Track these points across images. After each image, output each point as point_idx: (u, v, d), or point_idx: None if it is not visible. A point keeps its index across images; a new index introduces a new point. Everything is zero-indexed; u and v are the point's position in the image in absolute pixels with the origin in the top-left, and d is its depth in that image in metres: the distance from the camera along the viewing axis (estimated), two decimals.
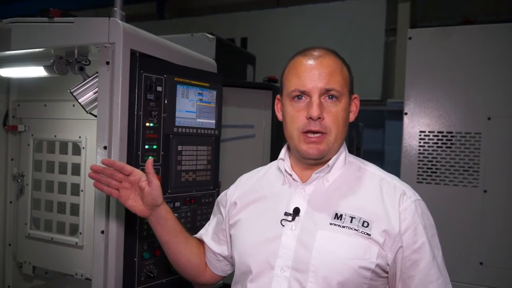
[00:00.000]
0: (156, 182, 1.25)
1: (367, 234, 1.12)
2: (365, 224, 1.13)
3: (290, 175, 1.25)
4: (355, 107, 1.26)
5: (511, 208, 2.15)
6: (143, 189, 1.25)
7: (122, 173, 1.26)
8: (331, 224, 1.15)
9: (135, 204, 1.28)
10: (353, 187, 1.21)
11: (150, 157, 1.34)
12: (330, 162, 1.20)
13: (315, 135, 1.16)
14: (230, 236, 1.34)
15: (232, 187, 1.42)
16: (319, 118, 1.14)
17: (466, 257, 2.19)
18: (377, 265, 1.12)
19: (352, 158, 1.29)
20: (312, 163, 1.22)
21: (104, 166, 1.26)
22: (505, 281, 2.13)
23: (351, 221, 1.14)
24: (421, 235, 1.13)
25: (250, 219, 1.28)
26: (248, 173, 1.44)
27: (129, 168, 1.26)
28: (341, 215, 1.15)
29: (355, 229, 1.13)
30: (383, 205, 1.15)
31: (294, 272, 1.13)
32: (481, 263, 2.18)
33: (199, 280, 1.43)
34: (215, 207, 1.47)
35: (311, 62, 1.18)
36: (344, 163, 1.25)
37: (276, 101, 1.30)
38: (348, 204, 1.17)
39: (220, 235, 1.39)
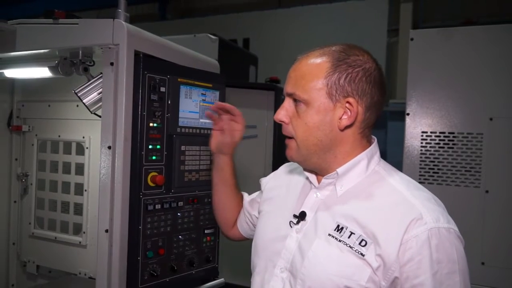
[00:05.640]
0: (237, 135, 1.46)
1: (361, 254, 1.02)
2: (363, 243, 1.03)
3: (308, 177, 1.22)
4: (348, 112, 1.09)
5: None
6: (225, 133, 1.44)
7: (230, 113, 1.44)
8: (329, 235, 1.08)
9: (213, 140, 1.47)
10: (366, 200, 1.09)
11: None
12: (339, 170, 1.12)
13: (288, 138, 1.18)
14: (257, 218, 1.41)
15: (271, 175, 1.48)
16: (282, 121, 1.16)
17: (467, 257, 2.17)
18: None
19: (380, 168, 1.16)
20: (308, 170, 1.21)
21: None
22: (507, 281, 2.14)
23: (349, 237, 1.05)
24: (424, 270, 0.98)
25: (269, 213, 1.31)
26: (289, 164, 1.43)
27: (237, 112, 1.47)
28: (342, 228, 1.07)
29: (350, 246, 1.04)
30: (387, 226, 1.02)
31: (289, 275, 1.13)
32: (482, 263, 2.19)
33: (226, 232, 1.60)
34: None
35: (293, 64, 1.18)
36: (365, 171, 1.14)
37: None
38: (353, 218, 1.07)
39: (255, 203, 1.49)
